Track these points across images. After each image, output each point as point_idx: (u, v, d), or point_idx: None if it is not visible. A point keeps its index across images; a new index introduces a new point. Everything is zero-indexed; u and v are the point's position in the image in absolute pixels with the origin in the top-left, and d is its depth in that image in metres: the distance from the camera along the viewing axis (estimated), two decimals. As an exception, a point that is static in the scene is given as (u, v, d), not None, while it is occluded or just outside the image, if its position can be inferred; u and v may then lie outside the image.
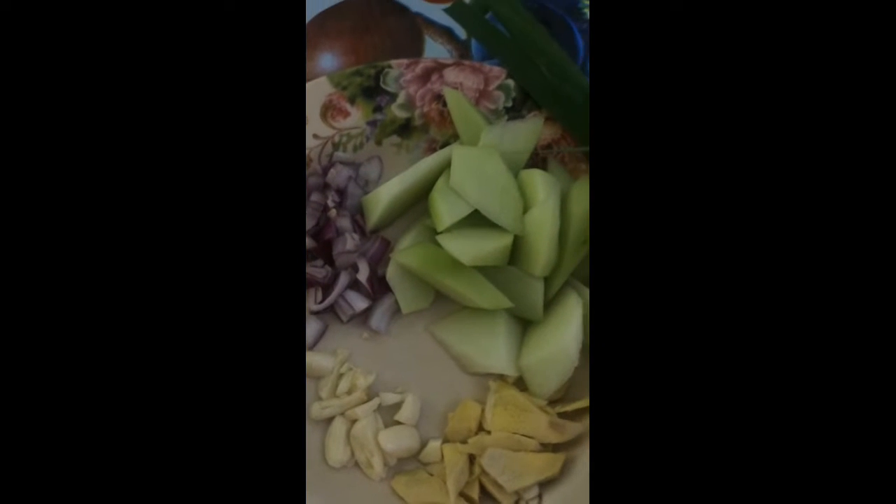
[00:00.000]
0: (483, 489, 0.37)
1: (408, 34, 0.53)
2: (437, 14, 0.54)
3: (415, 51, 0.52)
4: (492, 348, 0.40)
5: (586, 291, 0.40)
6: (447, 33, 0.54)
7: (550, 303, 0.41)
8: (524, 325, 0.41)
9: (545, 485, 0.37)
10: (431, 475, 0.38)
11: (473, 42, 0.53)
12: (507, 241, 0.39)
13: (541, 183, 0.40)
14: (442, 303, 0.43)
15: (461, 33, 0.54)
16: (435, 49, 0.53)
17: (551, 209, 0.39)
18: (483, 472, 0.37)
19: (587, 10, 0.53)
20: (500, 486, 0.36)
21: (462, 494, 0.37)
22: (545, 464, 0.37)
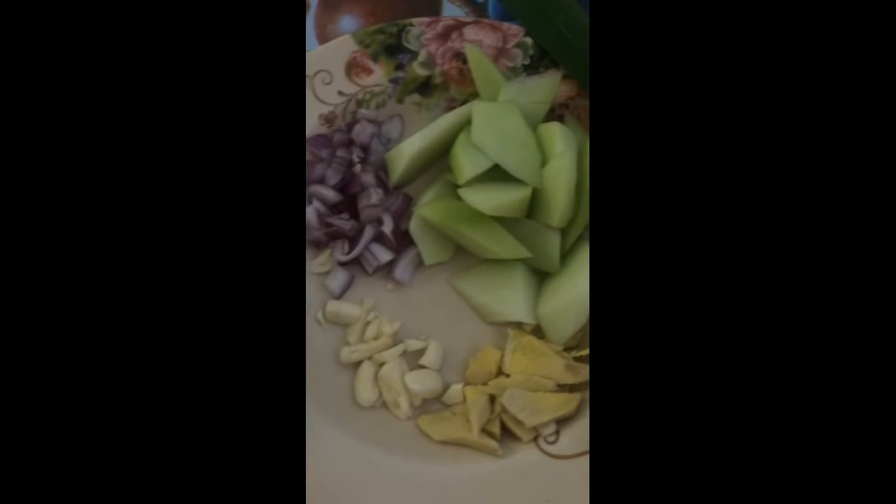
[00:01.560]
0: (503, 426, 0.40)
1: (426, -4, 0.54)
2: (455, -25, 0.55)
3: (432, 13, 0.53)
4: (510, 298, 0.42)
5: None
6: (465, -6, 0.54)
7: (566, 255, 0.42)
8: (541, 277, 0.43)
9: (562, 422, 0.40)
10: (455, 414, 0.40)
11: (490, 4, 0.54)
12: (525, 192, 0.41)
13: (559, 136, 0.41)
14: (462, 256, 0.44)
15: (479, -6, 0.54)
16: (452, 11, 0.53)
17: (569, 161, 0.40)
18: (503, 410, 0.39)
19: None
20: (519, 423, 0.39)
21: (484, 430, 0.39)
22: (562, 402, 0.39)
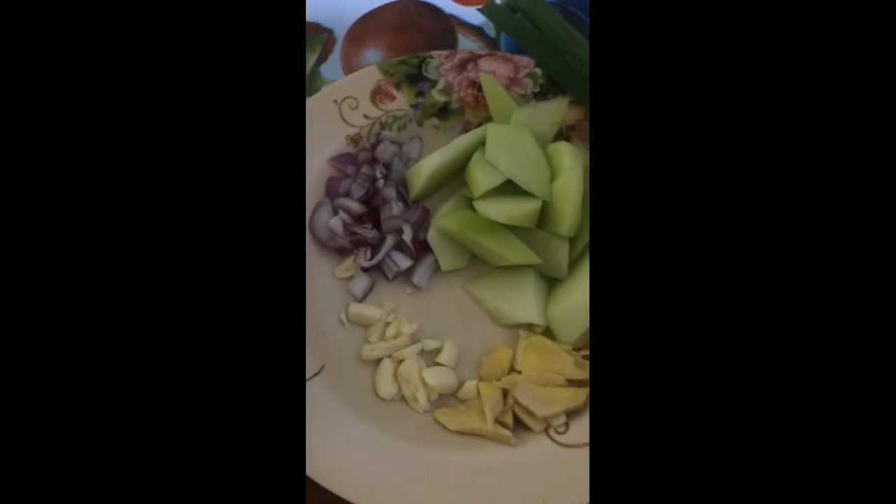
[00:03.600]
0: (515, 418, 0.42)
1: (443, 33, 0.60)
2: (469, 15, 0.60)
3: (449, 46, 0.58)
4: (522, 302, 0.45)
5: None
6: (478, 31, 0.60)
7: (574, 262, 0.46)
8: (550, 282, 0.46)
9: (571, 414, 0.42)
10: (470, 408, 0.43)
11: (502, 39, 0.59)
12: (536, 204, 0.45)
13: (567, 153, 0.45)
14: (476, 264, 0.48)
15: (490, 32, 0.60)
16: (467, 45, 0.59)
17: (576, 176, 0.44)
18: (516, 403, 0.42)
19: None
20: (531, 414, 0.41)
21: (498, 421, 0.42)
22: (571, 395, 0.41)
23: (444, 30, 0.59)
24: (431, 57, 0.51)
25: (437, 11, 0.60)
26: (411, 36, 0.59)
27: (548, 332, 0.45)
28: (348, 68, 0.58)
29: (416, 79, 0.50)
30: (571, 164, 0.45)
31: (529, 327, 0.45)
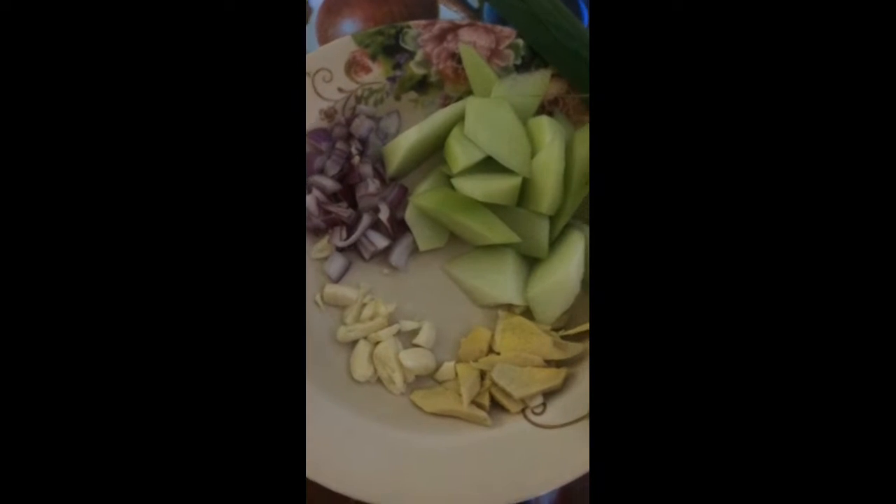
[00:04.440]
0: (493, 399, 0.41)
1: (423, 4, 0.57)
2: (451, -16, 0.58)
3: (429, 18, 0.56)
4: (501, 282, 0.44)
5: (587, 229, 0.44)
6: (460, 2, 0.57)
7: (554, 241, 0.45)
8: (530, 262, 0.45)
9: (549, 395, 0.41)
10: (447, 389, 0.42)
11: (485, 10, 0.57)
12: (516, 181, 0.43)
13: (548, 128, 0.44)
14: (455, 244, 0.46)
15: (473, 2, 0.57)
16: (449, 16, 0.57)
17: (557, 151, 0.43)
18: (493, 384, 0.41)
19: (590, -17, 0.57)
20: (508, 395, 0.40)
21: (474, 402, 0.41)
22: (549, 376, 0.41)
23: (425, 1, 0.57)
24: (409, 27, 0.49)
25: (417, -20, 0.57)
26: (390, 7, 0.56)
27: (527, 313, 0.44)
28: (324, 40, 0.55)
29: (392, 50, 0.48)
30: (552, 139, 0.43)
31: (508, 308, 0.44)
